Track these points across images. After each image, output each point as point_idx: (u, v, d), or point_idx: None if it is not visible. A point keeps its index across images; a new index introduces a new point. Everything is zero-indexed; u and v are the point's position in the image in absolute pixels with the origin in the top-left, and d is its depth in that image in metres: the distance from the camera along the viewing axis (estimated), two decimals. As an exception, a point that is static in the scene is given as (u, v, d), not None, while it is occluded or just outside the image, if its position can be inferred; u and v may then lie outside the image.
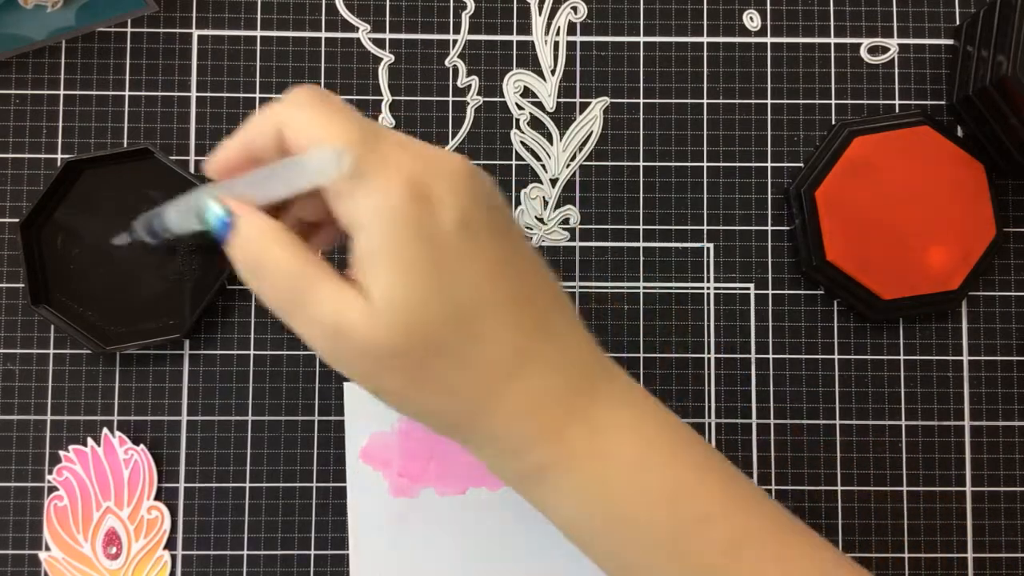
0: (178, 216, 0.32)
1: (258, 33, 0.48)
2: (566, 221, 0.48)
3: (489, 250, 0.29)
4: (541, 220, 0.48)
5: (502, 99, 0.48)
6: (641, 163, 0.48)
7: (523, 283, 0.30)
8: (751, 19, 0.49)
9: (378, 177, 0.27)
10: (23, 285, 0.46)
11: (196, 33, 0.48)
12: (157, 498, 0.46)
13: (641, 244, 0.48)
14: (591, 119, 0.48)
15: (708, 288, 0.47)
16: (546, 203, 0.48)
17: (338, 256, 0.47)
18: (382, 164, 0.28)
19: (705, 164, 0.48)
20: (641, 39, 0.48)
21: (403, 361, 0.28)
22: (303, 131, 0.28)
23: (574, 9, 0.48)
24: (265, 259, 0.29)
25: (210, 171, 0.31)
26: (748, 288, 0.48)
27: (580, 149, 0.48)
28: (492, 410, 0.30)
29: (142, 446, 0.46)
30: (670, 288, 0.47)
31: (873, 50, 0.49)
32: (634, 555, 0.31)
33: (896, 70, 0.49)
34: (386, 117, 0.48)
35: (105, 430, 0.46)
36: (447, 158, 0.29)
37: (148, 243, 0.35)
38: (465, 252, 0.29)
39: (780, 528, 0.32)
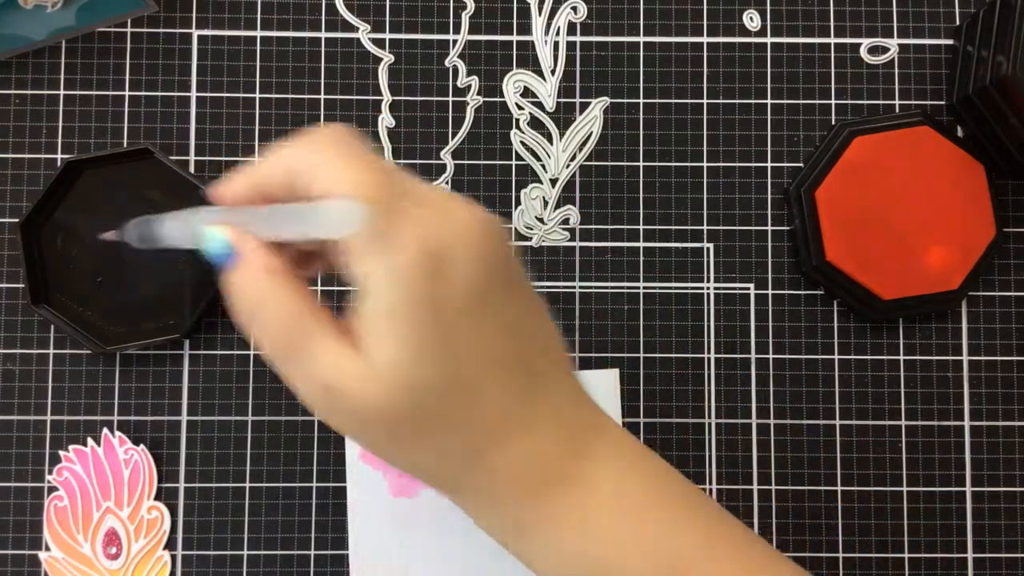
0: (175, 231, 0.31)
1: (258, 33, 0.48)
2: (566, 221, 0.48)
3: (497, 315, 0.29)
4: (541, 220, 0.48)
5: (502, 99, 0.48)
6: (641, 163, 0.48)
7: (525, 346, 0.30)
8: (751, 19, 0.49)
9: (393, 237, 0.27)
10: (23, 285, 0.46)
11: (196, 33, 0.48)
12: (157, 498, 0.46)
13: (641, 244, 0.48)
14: (591, 119, 0.48)
15: (708, 288, 0.47)
16: (546, 203, 0.48)
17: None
18: (399, 222, 0.27)
19: (705, 164, 0.48)
20: (641, 39, 0.48)
21: (395, 424, 0.28)
22: (322, 178, 0.27)
23: (574, 9, 0.48)
24: (265, 302, 0.28)
25: (215, 197, 0.30)
26: (748, 288, 0.48)
27: (580, 149, 0.48)
28: (478, 471, 0.30)
29: (142, 446, 0.46)
30: (670, 288, 0.47)
31: (873, 50, 0.49)
32: None
33: (896, 70, 0.49)
34: (386, 117, 0.48)
35: (105, 430, 0.46)
36: (465, 217, 0.28)
37: (134, 246, 0.33)
38: (472, 320, 0.28)
39: (758, 572, 0.32)
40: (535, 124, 0.48)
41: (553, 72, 0.48)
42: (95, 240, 0.46)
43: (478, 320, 0.28)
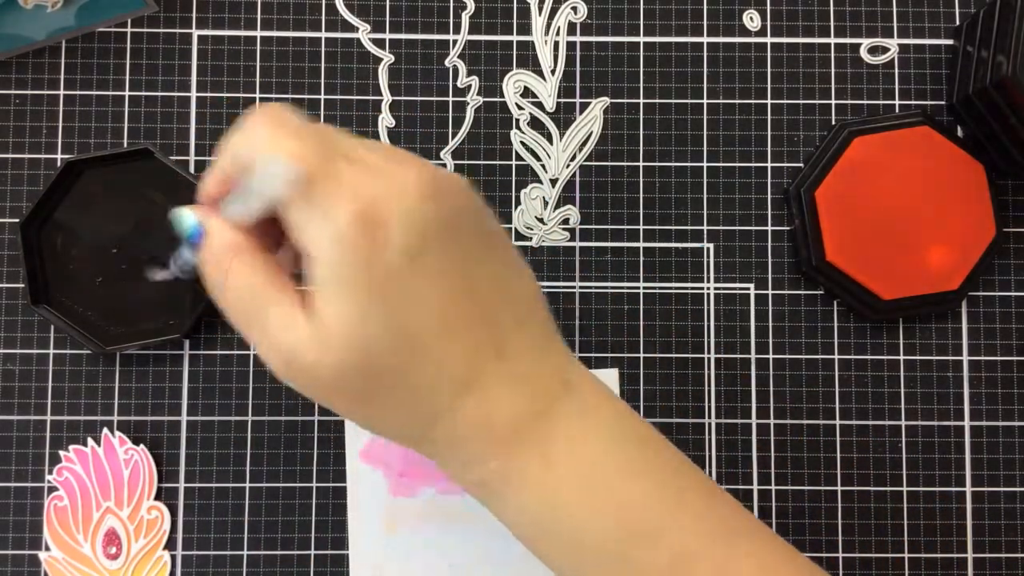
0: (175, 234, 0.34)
1: (258, 33, 0.48)
2: (566, 221, 0.48)
3: (444, 274, 0.29)
4: (541, 220, 0.48)
5: (502, 99, 0.48)
6: (641, 163, 0.48)
7: (483, 303, 0.30)
8: (751, 19, 0.49)
9: (327, 202, 0.27)
10: (23, 285, 0.46)
11: (196, 33, 0.48)
12: (157, 498, 0.46)
13: (641, 244, 0.48)
14: (591, 119, 0.48)
15: (708, 288, 0.47)
16: (546, 203, 0.48)
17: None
18: (333, 187, 0.27)
19: (705, 164, 0.48)
20: (641, 39, 0.48)
21: (349, 383, 0.29)
22: (256, 148, 0.29)
23: (574, 9, 0.48)
24: (227, 274, 0.30)
25: (201, 198, 0.32)
26: (748, 288, 0.48)
27: (580, 149, 0.48)
28: (438, 429, 0.30)
29: (142, 446, 0.46)
30: (670, 288, 0.47)
31: (873, 50, 0.49)
32: (582, 568, 0.31)
33: (896, 70, 0.49)
34: (386, 117, 0.48)
35: (105, 430, 0.46)
36: (404, 176, 0.28)
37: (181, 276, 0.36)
38: (414, 279, 0.28)
39: (730, 534, 0.32)
40: (535, 124, 0.48)
41: (553, 72, 0.48)
42: (97, 241, 0.46)
43: (419, 280, 0.29)
